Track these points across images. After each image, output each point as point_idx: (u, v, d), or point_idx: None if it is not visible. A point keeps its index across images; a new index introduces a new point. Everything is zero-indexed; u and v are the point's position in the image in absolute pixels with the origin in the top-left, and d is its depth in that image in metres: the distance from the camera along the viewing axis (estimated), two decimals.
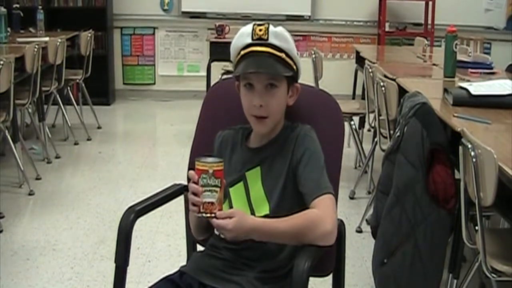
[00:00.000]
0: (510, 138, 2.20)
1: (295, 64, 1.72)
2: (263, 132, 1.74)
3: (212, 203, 1.51)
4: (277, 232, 1.58)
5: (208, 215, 1.52)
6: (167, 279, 1.71)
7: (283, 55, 1.68)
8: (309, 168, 1.66)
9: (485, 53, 6.47)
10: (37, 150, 4.88)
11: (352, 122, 4.23)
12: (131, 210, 1.71)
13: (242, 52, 1.69)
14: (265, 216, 1.65)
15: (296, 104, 1.79)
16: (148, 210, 1.77)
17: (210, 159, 1.55)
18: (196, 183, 1.52)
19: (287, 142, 1.72)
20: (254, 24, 1.70)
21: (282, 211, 1.63)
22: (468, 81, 3.19)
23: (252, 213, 1.68)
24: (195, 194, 1.53)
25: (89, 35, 5.68)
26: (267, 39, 1.67)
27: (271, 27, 1.69)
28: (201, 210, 1.52)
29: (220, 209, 1.53)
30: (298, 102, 1.80)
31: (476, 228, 2.01)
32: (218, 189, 1.52)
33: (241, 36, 1.71)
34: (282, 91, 1.70)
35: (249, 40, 1.68)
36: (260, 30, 1.68)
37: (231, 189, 1.72)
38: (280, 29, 1.71)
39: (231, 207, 1.71)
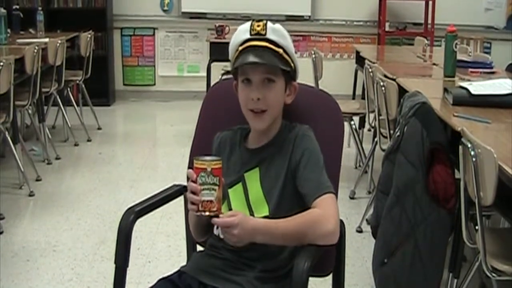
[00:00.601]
0: (510, 137, 2.20)
1: (292, 62, 1.73)
2: (261, 128, 1.73)
3: (211, 201, 1.52)
4: (280, 232, 1.57)
5: (207, 213, 1.53)
6: (165, 280, 1.70)
7: (280, 51, 1.69)
8: (309, 169, 1.66)
9: (485, 52, 6.47)
10: (37, 151, 4.88)
11: (352, 122, 4.23)
12: (131, 211, 1.71)
13: (240, 48, 1.69)
14: (265, 218, 1.65)
15: (296, 104, 1.79)
16: (148, 210, 1.77)
17: (208, 158, 1.55)
18: (195, 181, 1.53)
19: (286, 143, 1.72)
20: (252, 21, 1.70)
21: (282, 212, 1.63)
22: (468, 80, 3.18)
23: (252, 214, 1.68)
24: (194, 192, 1.53)
25: (89, 36, 5.68)
26: (265, 34, 1.68)
27: (269, 23, 1.70)
28: (200, 209, 1.53)
29: (219, 208, 1.54)
30: (298, 102, 1.80)
31: (476, 227, 2.00)
32: (216, 187, 1.52)
33: (239, 33, 1.72)
34: (279, 86, 1.71)
35: (247, 36, 1.69)
36: (258, 25, 1.68)
37: (230, 190, 1.72)
38: (278, 26, 1.71)
39: (230, 208, 1.70)
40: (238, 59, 1.69)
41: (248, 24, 1.71)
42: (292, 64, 1.73)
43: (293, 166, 1.68)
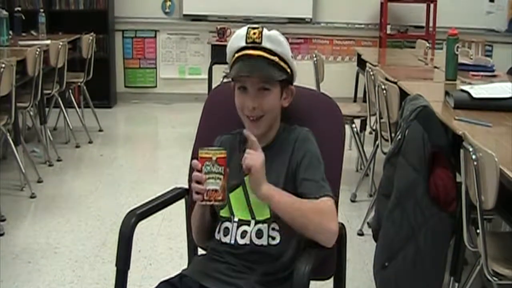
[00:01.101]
0: (511, 141, 2.20)
1: (289, 67, 1.73)
2: (257, 134, 1.73)
3: (216, 190, 1.53)
4: (291, 204, 1.59)
5: (212, 202, 1.54)
6: (166, 282, 1.71)
7: (276, 59, 1.69)
8: (310, 171, 1.67)
9: (486, 55, 6.48)
10: (38, 153, 4.89)
11: (354, 125, 4.23)
12: (132, 213, 1.71)
13: (236, 55, 1.71)
14: (266, 221, 1.66)
15: (297, 106, 1.79)
16: (149, 213, 1.77)
17: (213, 147, 1.57)
18: (200, 171, 1.53)
19: (285, 145, 1.72)
20: (248, 28, 1.71)
21: None
22: (470, 84, 3.18)
23: (253, 217, 1.69)
24: (198, 182, 1.54)
25: (91, 38, 5.69)
26: (261, 42, 1.68)
27: (265, 31, 1.70)
28: (205, 198, 1.54)
29: (224, 197, 1.55)
30: (299, 104, 1.80)
31: (478, 231, 2.00)
32: (221, 176, 1.53)
33: (236, 38, 1.73)
34: (275, 94, 1.72)
35: (243, 43, 1.69)
36: (254, 33, 1.69)
37: (231, 195, 1.72)
38: (274, 32, 1.71)
39: (231, 213, 1.71)
40: (233, 67, 1.71)
41: (244, 29, 1.71)
42: (289, 70, 1.73)
43: (293, 168, 1.69)
